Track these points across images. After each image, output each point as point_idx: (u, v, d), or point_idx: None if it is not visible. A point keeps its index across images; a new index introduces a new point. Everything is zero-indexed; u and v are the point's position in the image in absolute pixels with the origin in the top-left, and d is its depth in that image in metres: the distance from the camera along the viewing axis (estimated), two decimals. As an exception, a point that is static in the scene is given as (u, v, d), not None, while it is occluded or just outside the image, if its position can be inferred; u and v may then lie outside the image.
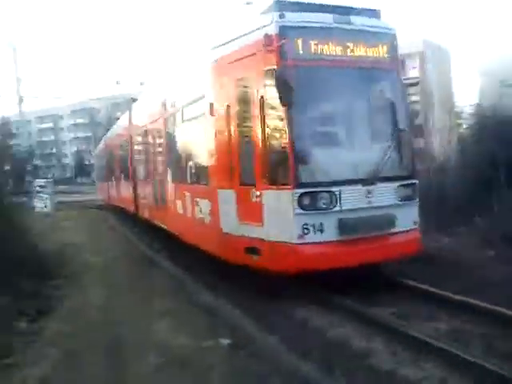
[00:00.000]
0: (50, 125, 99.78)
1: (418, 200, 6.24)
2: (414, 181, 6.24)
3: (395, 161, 6.09)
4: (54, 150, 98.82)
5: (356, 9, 6.16)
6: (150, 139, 10.90)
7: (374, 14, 6.34)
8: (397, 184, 6.01)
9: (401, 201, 6.05)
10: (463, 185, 10.87)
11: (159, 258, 9.46)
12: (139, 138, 12.20)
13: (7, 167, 14.92)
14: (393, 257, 6.05)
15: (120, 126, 16.46)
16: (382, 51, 6.13)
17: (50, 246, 9.67)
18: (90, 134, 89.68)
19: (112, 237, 12.39)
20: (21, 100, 25.11)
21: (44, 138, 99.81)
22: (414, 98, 59.04)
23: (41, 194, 23.41)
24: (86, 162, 67.69)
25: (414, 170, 6.35)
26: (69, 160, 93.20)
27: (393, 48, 6.24)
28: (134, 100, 12.79)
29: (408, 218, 6.11)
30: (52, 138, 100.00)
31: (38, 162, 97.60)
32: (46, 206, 22.69)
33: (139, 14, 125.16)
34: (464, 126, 18.01)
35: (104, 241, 11.74)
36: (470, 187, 10.55)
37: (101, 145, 24.69)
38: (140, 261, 9.20)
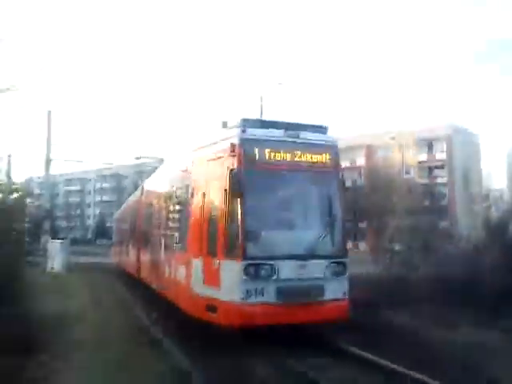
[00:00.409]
0: (78, 187, 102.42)
1: (346, 275, 7.83)
2: (343, 260, 7.88)
3: (327, 243, 7.78)
4: (79, 212, 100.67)
5: (305, 125, 8.09)
6: (151, 213, 13.17)
7: (320, 129, 8.35)
8: (327, 262, 7.63)
9: (330, 275, 7.59)
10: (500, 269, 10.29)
11: (162, 338, 7.91)
12: (144, 211, 14.53)
13: (24, 225, 14.64)
14: (320, 320, 7.50)
15: (132, 199, 19.41)
16: (323, 158, 8.05)
17: (47, 312, 9.08)
18: (114, 199, 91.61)
19: (114, 305, 11.69)
20: (48, 162, 25.38)
21: (71, 200, 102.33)
22: (440, 180, 58.72)
23: (54, 255, 23.10)
24: (108, 224, 68.39)
25: (345, 252, 8.00)
26: (91, 221, 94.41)
27: (333, 155, 8.16)
28: (148, 175, 15.36)
29: (337, 290, 7.66)
30: (78, 199, 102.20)
31: (62, 222, 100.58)
32: (58, 267, 22.31)
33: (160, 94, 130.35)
34: (492, 209, 17.94)
35: (105, 309, 11.03)
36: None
37: (118, 212, 27.49)
38: (139, 338, 7.81)
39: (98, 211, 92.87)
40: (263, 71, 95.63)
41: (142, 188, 15.72)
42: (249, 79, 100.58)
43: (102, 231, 76.94)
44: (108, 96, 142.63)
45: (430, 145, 58.76)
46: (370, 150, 62.31)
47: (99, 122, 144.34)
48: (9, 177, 14.78)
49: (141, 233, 14.50)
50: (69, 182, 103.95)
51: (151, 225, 12.83)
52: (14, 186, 14.20)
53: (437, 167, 58.18)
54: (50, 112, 24.63)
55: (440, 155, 58.05)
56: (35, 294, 11.42)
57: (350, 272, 8.05)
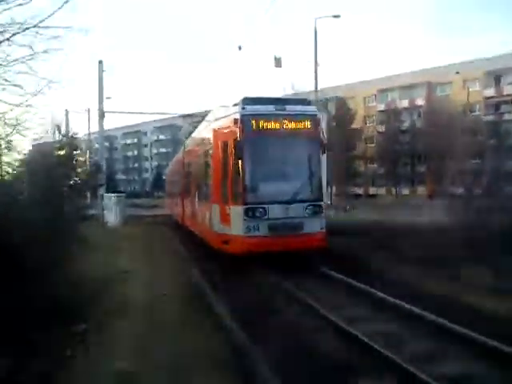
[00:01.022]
0: (134, 140, 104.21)
1: (323, 214, 10.68)
2: (319, 203, 10.63)
3: (306, 191, 10.60)
4: (136, 165, 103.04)
5: (291, 99, 12.32)
6: (188, 169, 16.76)
7: (303, 102, 11.56)
8: (305, 204, 10.39)
9: (308, 214, 10.38)
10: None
11: (217, 300, 8.00)
12: (183, 167, 18.41)
13: (74, 181, 14.84)
14: (303, 247, 10.27)
15: (176, 156, 23.23)
16: (304, 125, 10.75)
17: (95, 272, 8.95)
18: (170, 150, 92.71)
19: (169, 262, 11.57)
20: (102, 115, 25.46)
21: (128, 153, 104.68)
22: (508, 117, 54.37)
23: (111, 208, 23.61)
24: (164, 177, 69.69)
25: (321, 197, 10.83)
26: (148, 174, 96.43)
27: (313, 122, 10.84)
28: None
29: (314, 225, 10.42)
30: (135, 153, 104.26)
31: (121, 175, 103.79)
32: (114, 220, 22.83)
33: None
34: None
35: (158, 267, 10.89)
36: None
37: (168, 167, 31.57)
38: (192, 302, 7.82)
39: (155, 164, 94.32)
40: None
41: (184, 146, 19.25)
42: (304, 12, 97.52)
43: (158, 184, 78.43)
44: (162, 45, 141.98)
45: (497, 78, 54.35)
46: (430, 88, 58.64)
47: (153, 73, 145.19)
48: (61, 132, 14.82)
49: (182, 186, 18.52)
50: (126, 135, 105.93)
51: (188, 179, 16.48)
52: (63, 141, 14.26)
53: (505, 102, 53.94)
54: (101, 62, 24.51)
55: (509, 89, 53.71)
56: (88, 250, 11.47)
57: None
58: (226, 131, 11.01)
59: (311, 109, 11.39)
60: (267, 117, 10.69)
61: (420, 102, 58.50)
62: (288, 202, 10.41)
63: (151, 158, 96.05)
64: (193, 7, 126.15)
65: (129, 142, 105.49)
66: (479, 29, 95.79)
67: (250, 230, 10.17)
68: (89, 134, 44.98)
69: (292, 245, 10.24)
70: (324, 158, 11.86)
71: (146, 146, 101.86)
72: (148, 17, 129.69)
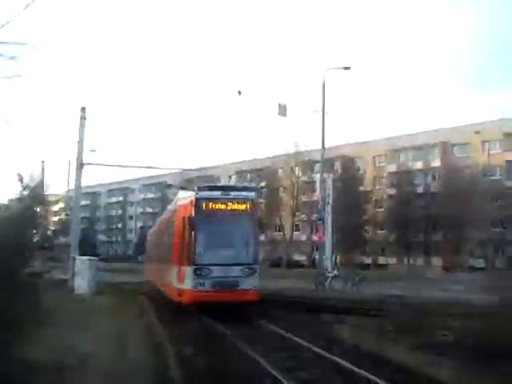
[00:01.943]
0: (120, 198, 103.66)
1: (256, 275, 15.14)
2: (253, 266, 15.22)
3: (243, 256, 15.24)
4: (120, 225, 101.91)
5: (236, 187, 19.99)
6: (161, 236, 21.94)
7: (245, 188, 17.62)
8: (242, 267, 14.98)
9: (244, 275, 14.88)
10: None
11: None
12: (157, 235, 24.34)
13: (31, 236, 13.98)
14: (238, 301, 14.45)
15: (156, 222, 29.72)
16: (242, 206, 15.50)
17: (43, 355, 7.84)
18: (157, 210, 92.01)
19: (141, 342, 10.30)
20: (80, 166, 24.83)
21: (112, 212, 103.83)
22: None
23: (83, 273, 22.46)
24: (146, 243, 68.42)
25: (255, 261, 15.45)
26: (133, 236, 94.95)
27: (249, 204, 15.65)
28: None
29: (249, 284, 14.86)
30: (119, 212, 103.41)
31: (103, 236, 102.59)
32: (84, 288, 21.63)
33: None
34: None
35: (126, 351, 9.64)
36: None
37: (150, 232, 35.79)
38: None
39: (140, 224, 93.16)
40: (327, 55, 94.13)
41: (159, 219, 26.54)
42: (312, 63, 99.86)
43: (143, 247, 77.15)
44: (153, 101, 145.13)
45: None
46: (446, 148, 58.70)
47: (142, 125, 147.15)
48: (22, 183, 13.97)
49: (155, 251, 24.25)
50: (111, 193, 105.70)
51: (160, 244, 21.95)
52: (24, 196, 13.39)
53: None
54: (84, 108, 24.23)
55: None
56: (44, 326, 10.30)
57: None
58: (185, 209, 16.15)
59: (250, 194, 16.44)
60: (214, 200, 15.57)
61: (435, 163, 58.35)
62: (227, 265, 15.12)
63: (136, 218, 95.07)
64: (184, 54, 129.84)
65: (114, 200, 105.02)
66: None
67: (198, 285, 14.72)
68: (68, 189, 44.45)
69: (230, 297, 14.57)
70: (257, 231, 16.60)
71: (131, 204, 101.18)
72: (137, 65, 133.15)
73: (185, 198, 16.71)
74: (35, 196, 13.91)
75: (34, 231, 14.35)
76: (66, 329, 10.64)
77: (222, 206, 15.58)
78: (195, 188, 16.19)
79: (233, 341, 10.83)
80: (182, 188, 20.31)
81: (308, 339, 10.41)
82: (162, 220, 23.44)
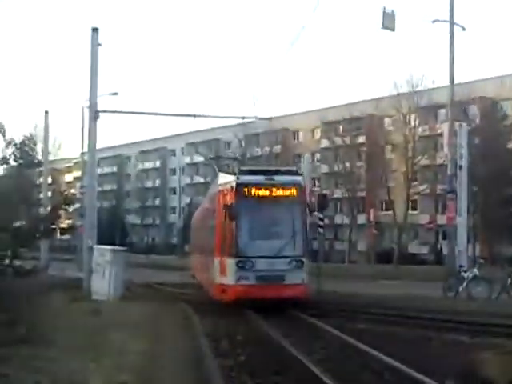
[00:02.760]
0: (157, 164, 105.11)
1: (304, 268, 19.33)
2: (301, 258, 19.21)
3: (290, 248, 19.34)
4: (158, 202, 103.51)
5: (280, 170, 21.20)
6: (202, 223, 27.79)
7: (291, 172, 21.46)
8: (289, 259, 19.05)
9: (291, 268, 18.94)
10: None
11: None
12: (200, 221, 30.15)
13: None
14: (284, 297, 18.36)
15: (198, 211, 36.94)
16: (289, 192, 19.46)
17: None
18: (210, 180, 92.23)
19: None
20: (95, 115, 25.09)
21: (147, 183, 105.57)
22: None
23: (102, 271, 22.66)
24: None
25: (303, 253, 19.41)
26: (176, 217, 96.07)
27: (297, 189, 19.54)
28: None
29: (296, 278, 18.88)
30: (157, 183, 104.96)
31: (135, 218, 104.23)
32: (105, 291, 21.84)
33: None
34: None
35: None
36: None
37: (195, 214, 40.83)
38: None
39: (186, 200, 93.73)
40: None
41: (202, 204, 32.44)
42: None
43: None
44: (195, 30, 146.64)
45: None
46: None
47: (181, 63, 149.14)
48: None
49: (199, 242, 29.47)
50: (144, 155, 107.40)
51: (203, 235, 26.57)
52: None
53: None
54: (96, 29, 24.31)
55: None
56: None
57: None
58: (225, 195, 20.03)
59: (297, 178, 20.36)
60: (257, 185, 19.35)
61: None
62: (273, 257, 19.07)
63: (181, 191, 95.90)
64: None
65: (148, 165, 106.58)
66: None
67: (241, 279, 18.79)
68: (82, 149, 45.22)
69: (275, 293, 18.42)
70: (308, 219, 20.77)
71: (173, 172, 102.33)
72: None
73: (225, 182, 20.61)
74: (27, 157, 13.61)
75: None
76: (60, 358, 10.45)
77: (266, 192, 19.52)
78: (236, 171, 20.88)
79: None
80: (222, 170, 27.31)
81: None
82: (203, 206, 29.87)
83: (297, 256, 19.13)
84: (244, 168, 21.90)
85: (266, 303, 18.04)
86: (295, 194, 19.51)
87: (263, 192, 19.32)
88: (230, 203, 19.11)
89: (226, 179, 20.75)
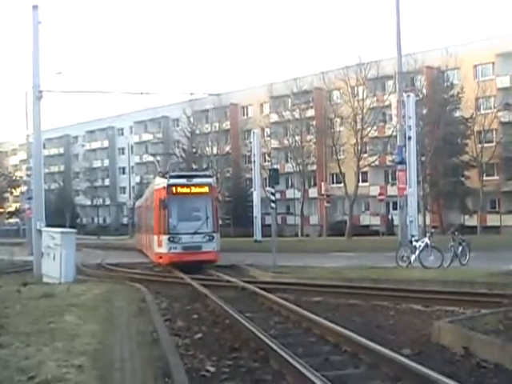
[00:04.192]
0: (104, 143, 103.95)
1: (215, 240, 28.38)
2: (213, 234, 28.46)
3: (204, 226, 28.70)
4: (107, 182, 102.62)
5: (197, 175, 32.97)
6: (144, 213, 39.61)
7: (205, 175, 32.24)
8: (204, 234, 28.42)
9: (205, 240, 28.27)
10: None
11: None
12: (145, 209, 39.14)
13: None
14: (202, 260, 28.08)
15: (144, 197, 44.13)
16: (206, 189, 28.95)
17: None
18: (160, 159, 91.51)
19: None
20: (39, 95, 24.76)
21: (95, 163, 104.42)
22: None
23: (53, 253, 22.36)
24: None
25: (214, 230, 28.72)
26: (126, 197, 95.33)
27: (210, 187, 29.13)
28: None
29: (210, 247, 28.18)
30: (105, 163, 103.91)
31: (84, 199, 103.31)
32: (58, 273, 21.58)
33: None
34: None
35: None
36: None
37: (137, 203, 54.10)
38: None
39: (137, 179, 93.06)
40: None
41: (141, 200, 45.03)
42: None
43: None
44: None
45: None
46: None
47: (125, 42, 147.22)
48: None
49: (143, 223, 39.86)
50: (91, 135, 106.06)
51: (145, 218, 37.65)
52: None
53: None
54: (35, 7, 23.86)
55: None
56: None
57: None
58: (160, 192, 28.57)
59: (208, 180, 29.37)
60: (181, 185, 27.97)
61: None
62: (193, 233, 27.55)
63: (131, 171, 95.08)
64: None
65: (96, 145, 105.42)
66: None
67: (171, 249, 27.18)
68: (27, 131, 44.46)
69: (196, 257, 27.04)
70: (215, 207, 28.97)
71: (122, 151, 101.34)
72: None
73: (160, 183, 30.18)
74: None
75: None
76: (12, 343, 10.28)
77: (187, 190, 28.50)
78: (167, 176, 29.97)
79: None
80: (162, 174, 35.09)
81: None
82: (145, 198, 40.95)
83: (209, 232, 28.25)
84: (173, 174, 32.41)
85: (190, 264, 26.78)
86: (207, 190, 28.73)
87: (185, 190, 28.55)
88: (163, 198, 28.23)
89: (160, 181, 30.53)
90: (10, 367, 8.69)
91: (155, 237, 29.67)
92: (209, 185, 29.19)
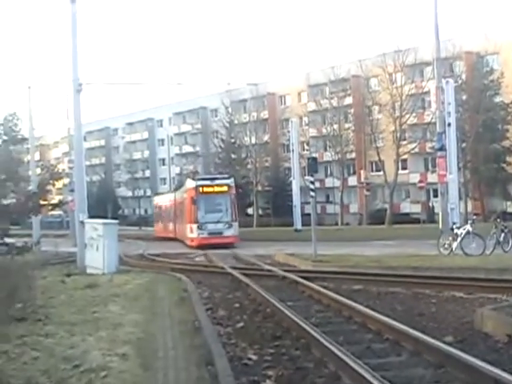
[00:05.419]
0: (144, 135, 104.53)
1: (233, 227, 41.59)
2: (232, 223, 41.57)
3: (226, 217, 41.90)
4: (148, 173, 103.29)
5: (219, 177, 46.46)
6: (179, 205, 50.48)
7: (227, 177, 44.71)
8: (225, 223, 41.47)
9: (226, 227, 41.28)
10: None
11: None
12: (176, 204, 52.33)
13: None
14: (224, 243, 38.46)
15: (168, 195, 61.05)
16: (226, 188, 42.06)
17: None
18: (199, 149, 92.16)
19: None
20: (79, 88, 24.79)
21: (135, 155, 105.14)
22: None
23: (96, 244, 22.60)
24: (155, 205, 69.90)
25: (234, 220, 41.86)
26: (167, 188, 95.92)
27: (229, 186, 42.21)
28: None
29: (229, 232, 41.16)
30: (146, 154, 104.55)
31: (126, 190, 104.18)
32: (101, 264, 21.80)
33: None
34: None
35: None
36: None
37: (157, 198, 68.90)
38: None
39: (177, 170, 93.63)
40: None
41: (174, 194, 54.37)
42: None
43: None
44: None
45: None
46: None
47: (163, 32, 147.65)
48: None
49: (173, 215, 53.33)
50: (131, 127, 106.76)
51: (177, 211, 51.02)
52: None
53: None
54: (73, 0, 24.01)
55: None
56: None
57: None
58: (191, 191, 41.69)
59: (228, 180, 42.29)
60: (206, 185, 41.04)
61: None
62: (217, 222, 40.23)
63: (171, 162, 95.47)
64: None
65: (136, 137, 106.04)
66: None
67: (200, 234, 39.60)
68: (68, 123, 44.90)
69: (220, 241, 38.13)
70: (234, 202, 41.67)
71: (161, 143, 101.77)
72: None
73: (190, 184, 42.46)
74: (11, 133, 13.47)
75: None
76: (57, 333, 10.40)
77: (211, 189, 40.47)
78: (195, 179, 43.45)
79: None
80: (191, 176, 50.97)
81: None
82: (177, 197, 51.54)
83: (229, 221, 40.51)
84: (199, 177, 47.56)
85: (214, 246, 35.55)
86: (227, 189, 40.92)
87: (210, 189, 40.62)
88: (193, 195, 40.56)
89: (191, 183, 43.07)
90: (55, 356, 8.81)
91: (188, 225, 41.40)
92: (228, 185, 41.29)
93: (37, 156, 61.89)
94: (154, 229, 65.22)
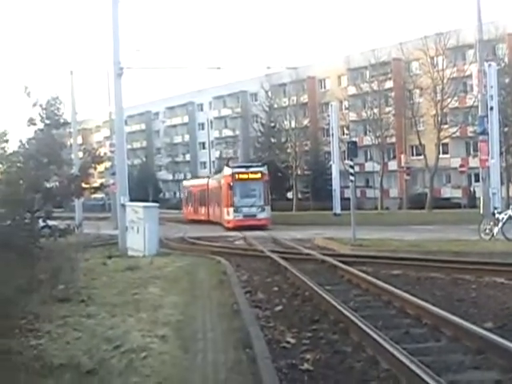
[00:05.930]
0: (184, 119, 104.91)
1: (266, 210, 45.20)
2: (265, 207, 45.30)
3: (259, 201, 45.44)
4: (188, 157, 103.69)
5: (254, 164, 50.68)
6: (214, 190, 54.02)
7: (261, 166, 48.27)
8: (258, 207, 45.32)
9: (259, 211, 45.15)
10: None
11: None
12: (211, 189, 56.17)
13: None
14: (258, 225, 42.19)
15: (198, 183, 64.15)
16: (260, 175, 45.90)
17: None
18: (239, 133, 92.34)
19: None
20: (119, 72, 24.90)
21: (176, 139, 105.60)
22: None
23: (136, 227, 22.81)
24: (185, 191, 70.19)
25: (266, 204, 45.65)
26: (207, 172, 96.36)
27: (262, 173, 45.87)
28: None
29: (262, 215, 44.84)
30: (186, 138, 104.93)
31: (166, 174, 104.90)
32: (142, 247, 22.02)
33: None
34: None
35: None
36: None
37: (187, 183, 71.57)
38: None
39: (216, 154, 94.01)
40: None
41: (207, 181, 59.06)
42: None
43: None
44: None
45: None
46: None
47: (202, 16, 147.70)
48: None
49: (207, 199, 56.76)
50: (171, 111, 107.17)
51: (213, 196, 54.08)
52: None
53: None
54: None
55: None
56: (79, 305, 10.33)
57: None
58: (228, 178, 45.26)
59: (261, 168, 45.82)
60: (242, 173, 44.91)
61: None
62: (251, 206, 43.74)
63: (211, 145, 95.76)
64: None
65: (176, 121, 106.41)
66: None
67: (236, 217, 43.10)
68: (109, 107, 45.20)
69: (253, 222, 41.71)
70: (267, 188, 45.37)
71: (201, 127, 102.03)
72: None
73: (227, 171, 46.10)
74: (54, 117, 13.58)
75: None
76: (99, 314, 10.54)
77: (246, 176, 44.33)
78: (232, 166, 48.19)
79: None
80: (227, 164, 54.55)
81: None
82: (212, 183, 55.11)
83: (262, 205, 43.94)
84: (235, 165, 52.07)
85: (248, 227, 38.69)
86: (260, 176, 44.41)
87: (244, 176, 44.23)
88: (229, 181, 44.00)
89: (228, 170, 46.56)
90: (97, 336, 8.95)
91: (224, 209, 45.13)
92: (261, 172, 44.90)
93: (79, 140, 62.59)
94: (182, 211, 66.29)
